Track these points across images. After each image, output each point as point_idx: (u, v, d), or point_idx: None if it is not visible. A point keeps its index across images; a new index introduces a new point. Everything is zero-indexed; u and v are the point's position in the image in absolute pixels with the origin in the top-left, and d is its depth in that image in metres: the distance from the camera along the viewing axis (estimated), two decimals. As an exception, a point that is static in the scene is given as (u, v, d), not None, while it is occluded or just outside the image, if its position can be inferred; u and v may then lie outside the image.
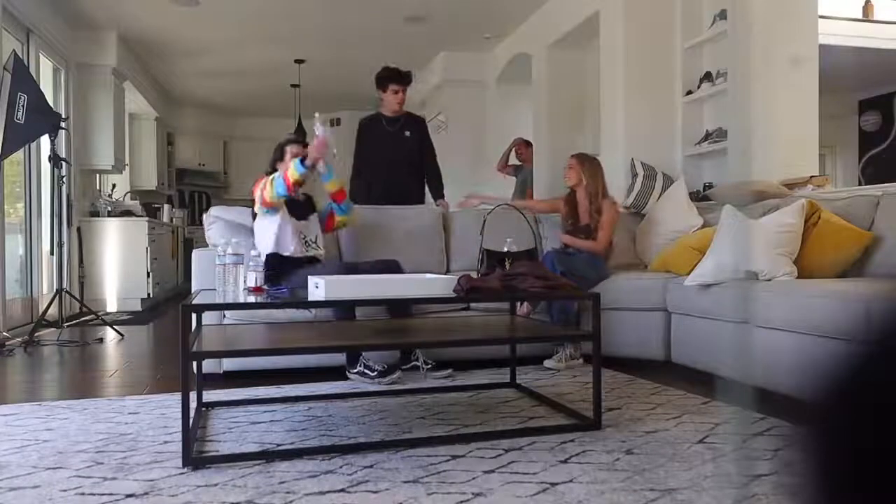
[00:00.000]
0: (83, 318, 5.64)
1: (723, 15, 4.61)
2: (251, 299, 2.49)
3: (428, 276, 2.79)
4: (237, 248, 2.55)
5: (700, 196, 4.68)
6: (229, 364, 3.28)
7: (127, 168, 7.92)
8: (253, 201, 3.28)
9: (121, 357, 4.10)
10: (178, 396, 2.15)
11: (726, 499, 1.71)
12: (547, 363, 3.43)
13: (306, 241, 3.29)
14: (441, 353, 3.33)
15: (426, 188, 4.63)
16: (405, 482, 1.82)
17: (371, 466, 1.95)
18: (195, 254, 3.47)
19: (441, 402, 2.74)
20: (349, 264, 3.31)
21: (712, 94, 4.75)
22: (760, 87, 4.29)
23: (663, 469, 1.91)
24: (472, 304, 3.32)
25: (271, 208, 3.17)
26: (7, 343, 4.33)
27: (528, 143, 6.60)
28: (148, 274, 6.84)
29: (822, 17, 4.77)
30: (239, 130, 11.04)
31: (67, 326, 4.95)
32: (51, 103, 5.16)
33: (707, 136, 4.80)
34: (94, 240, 6.68)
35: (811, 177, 4.08)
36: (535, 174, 6.43)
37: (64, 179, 5.03)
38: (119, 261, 6.75)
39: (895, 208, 3.01)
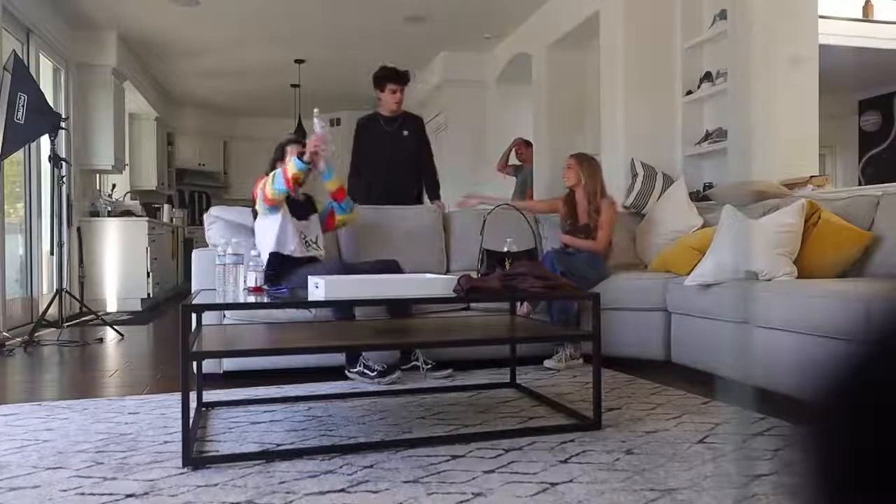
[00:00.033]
0: (83, 318, 5.64)
1: (723, 15, 4.61)
2: (251, 299, 2.49)
3: (428, 276, 2.79)
4: (237, 248, 2.55)
5: (700, 196, 4.68)
6: (229, 364, 3.28)
7: (127, 168, 7.92)
8: (254, 201, 3.27)
9: (121, 357, 4.10)
10: (178, 396, 2.15)
11: (726, 499, 1.71)
12: (547, 363, 3.43)
13: (307, 242, 3.29)
14: (441, 353, 3.33)
15: (439, 185, 4.63)
16: (405, 482, 1.82)
17: (371, 466, 1.95)
18: (195, 254, 3.47)
19: (441, 402, 2.74)
20: (348, 264, 3.31)
21: (712, 94, 4.75)
22: (760, 87, 4.29)
23: (663, 469, 1.91)
24: (472, 304, 3.32)
25: (272, 207, 3.17)
26: (7, 343, 4.33)
27: (528, 143, 6.60)
28: (148, 274, 6.84)
29: (822, 17, 4.77)
30: (239, 130, 11.04)
31: (67, 326, 4.95)
32: (51, 103, 5.16)
33: (707, 136, 4.80)
34: (94, 240, 6.68)
35: (811, 177, 4.08)
36: (535, 174, 6.43)
37: (64, 179, 5.03)
38: (119, 261, 6.75)
39: (895, 208, 3.01)
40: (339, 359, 3.23)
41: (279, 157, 3.31)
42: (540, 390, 2.89)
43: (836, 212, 3.12)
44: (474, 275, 2.73)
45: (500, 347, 3.15)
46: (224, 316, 3.23)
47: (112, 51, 6.73)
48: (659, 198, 4.44)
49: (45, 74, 5.96)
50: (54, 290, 5.02)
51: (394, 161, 4.39)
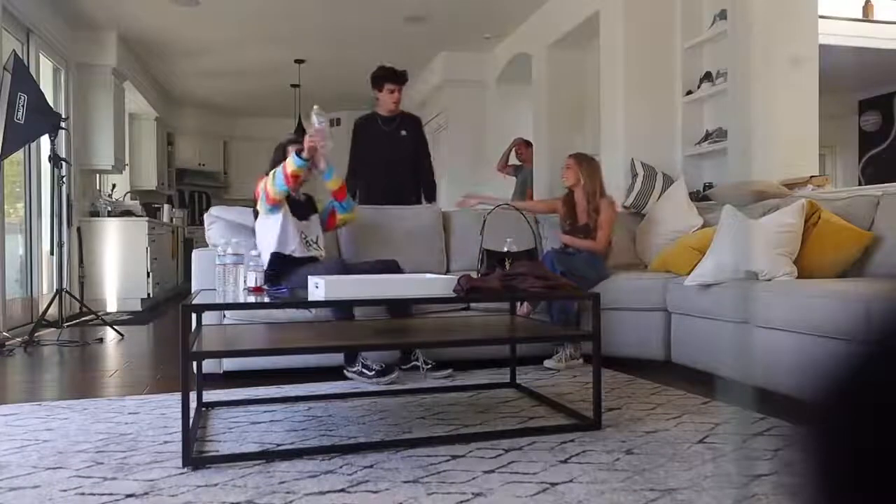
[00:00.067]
0: (83, 318, 5.64)
1: (723, 15, 4.61)
2: (251, 299, 2.49)
3: (428, 276, 2.79)
4: (237, 248, 2.55)
5: (700, 196, 4.68)
6: (229, 364, 3.28)
7: (127, 168, 7.92)
8: (255, 201, 3.27)
9: (121, 357, 4.10)
10: (178, 396, 2.15)
11: (726, 499, 1.71)
12: (547, 363, 3.43)
13: (307, 242, 3.29)
14: (441, 353, 3.33)
15: (435, 186, 4.63)
16: (405, 482, 1.82)
17: (371, 466, 1.95)
18: (195, 254, 3.47)
19: (441, 402, 2.74)
20: (349, 264, 3.31)
21: (712, 94, 4.75)
22: (760, 87, 4.29)
23: (663, 469, 1.91)
24: (472, 304, 3.32)
25: (274, 206, 3.17)
26: (7, 343, 4.33)
27: (528, 143, 6.60)
28: (148, 274, 6.84)
29: (822, 17, 4.77)
30: (239, 130, 11.04)
31: (67, 326, 4.95)
32: (51, 103, 5.16)
33: (707, 136, 4.80)
34: (94, 240, 6.68)
35: (811, 177, 4.08)
36: (535, 174, 6.43)
37: (64, 179, 5.03)
38: (119, 261, 6.75)
39: (895, 208, 3.01)
40: (338, 359, 3.23)
41: (280, 158, 3.30)
42: (540, 390, 2.89)
43: (836, 212, 3.12)
44: (474, 275, 2.73)
45: (500, 347, 3.15)
46: (224, 316, 3.23)
47: (112, 51, 6.73)
48: (659, 198, 4.44)
49: (45, 74, 5.96)
50: (54, 290, 5.02)
51: (392, 161, 4.38)
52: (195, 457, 2.01)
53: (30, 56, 5.43)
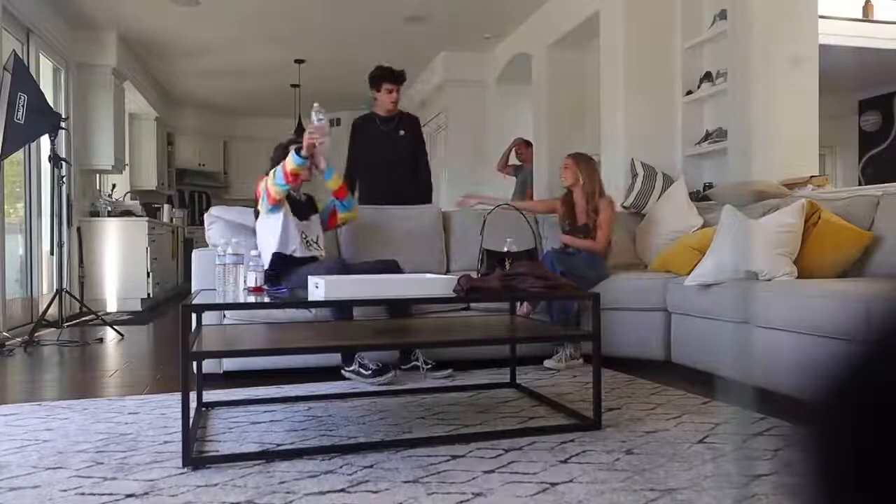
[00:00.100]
0: (83, 318, 5.64)
1: (723, 15, 4.61)
2: (251, 299, 2.49)
3: (428, 276, 2.79)
4: (237, 248, 2.55)
5: (700, 196, 4.68)
6: (229, 364, 3.28)
7: (127, 168, 7.92)
8: (256, 201, 3.27)
9: (121, 357, 4.10)
10: (178, 396, 2.15)
11: (726, 499, 1.71)
12: (547, 363, 3.43)
13: (308, 241, 3.30)
14: (441, 353, 3.33)
15: (431, 187, 4.62)
16: (405, 482, 1.82)
17: (371, 466, 1.95)
18: (195, 254, 3.47)
19: (441, 402, 2.74)
20: (349, 263, 3.31)
21: (712, 94, 4.75)
22: (760, 87, 4.29)
23: (663, 469, 1.91)
24: (472, 304, 3.32)
25: (275, 206, 3.17)
26: (7, 343, 4.33)
27: (528, 143, 6.60)
28: (148, 274, 6.84)
29: (822, 17, 4.77)
30: (239, 130, 11.04)
31: (67, 326, 4.95)
32: (51, 103, 5.16)
33: (707, 136, 4.80)
34: (94, 240, 6.68)
35: (811, 177, 4.08)
36: (535, 174, 6.43)
37: (64, 179, 5.03)
38: (119, 261, 6.75)
39: (895, 208, 3.01)
40: (338, 358, 3.23)
41: (280, 158, 3.29)
42: (540, 390, 2.89)
43: (836, 212, 3.12)
44: (474, 275, 2.73)
45: (500, 347, 3.15)
46: (224, 316, 3.23)
47: (112, 51, 6.73)
48: (659, 198, 4.44)
49: (45, 74, 5.96)
50: (54, 290, 5.02)
51: (390, 161, 4.37)
52: (195, 457, 2.01)
53: (30, 56, 5.43)
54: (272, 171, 3.12)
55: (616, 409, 2.59)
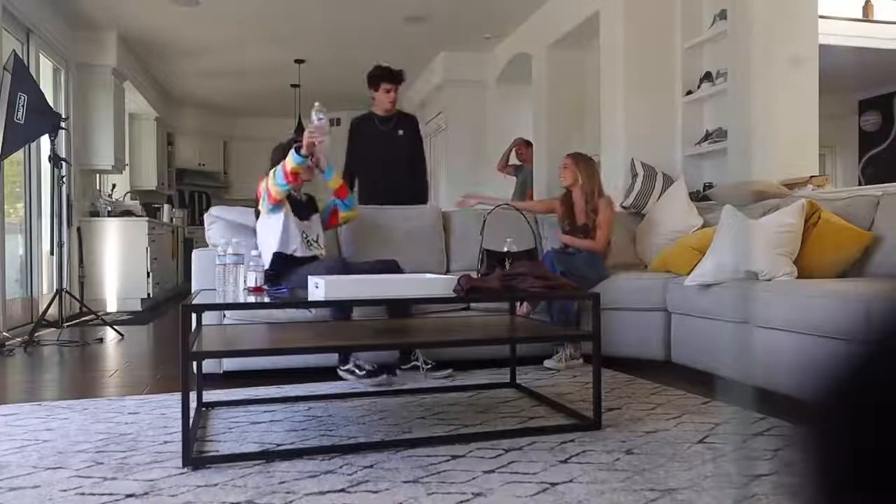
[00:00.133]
0: (83, 318, 5.64)
1: (723, 15, 4.61)
2: (251, 299, 2.49)
3: (428, 276, 2.79)
4: (237, 248, 2.55)
5: (700, 196, 4.68)
6: (229, 364, 3.29)
7: (127, 168, 7.92)
8: (257, 201, 3.27)
9: (121, 357, 4.10)
10: (178, 396, 2.15)
11: (726, 499, 1.71)
12: (547, 363, 3.43)
13: (308, 241, 3.30)
14: (441, 353, 3.33)
15: (427, 188, 4.61)
16: (405, 482, 1.82)
17: (371, 466, 1.95)
18: (195, 254, 3.47)
19: (441, 402, 2.74)
20: (349, 262, 3.31)
21: (712, 94, 4.75)
22: (760, 87, 4.29)
23: (663, 469, 1.91)
24: (472, 304, 3.32)
25: (276, 205, 3.17)
26: (7, 343, 4.33)
27: (528, 143, 6.60)
28: (148, 274, 6.84)
29: (822, 17, 4.77)
30: (239, 130, 11.04)
31: (67, 326, 4.95)
32: (51, 103, 5.16)
33: (707, 136, 4.80)
34: (94, 240, 6.68)
35: (811, 177, 4.08)
36: (535, 174, 6.43)
37: (64, 179, 5.03)
38: (119, 261, 6.75)
39: (895, 208, 3.01)
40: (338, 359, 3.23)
41: (279, 158, 3.29)
42: (540, 390, 2.89)
43: (836, 212, 3.12)
44: (474, 275, 2.73)
45: (500, 347, 3.15)
46: (224, 316, 3.23)
47: (112, 51, 6.73)
48: (659, 198, 4.44)
49: (45, 74, 5.96)
50: (54, 290, 5.02)
51: (388, 161, 4.36)
52: (195, 457, 2.01)
53: (30, 56, 5.43)
54: (272, 171, 3.12)
55: (616, 409, 2.59)
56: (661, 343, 3.51)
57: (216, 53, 7.57)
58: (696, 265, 3.27)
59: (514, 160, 6.68)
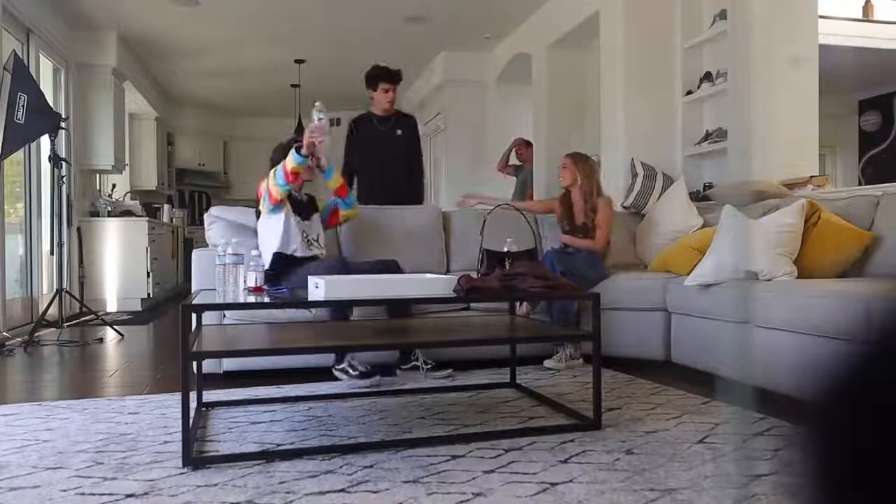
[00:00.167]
0: (83, 318, 5.64)
1: (723, 15, 4.61)
2: (251, 299, 2.49)
3: (428, 276, 2.79)
4: (237, 248, 2.55)
5: (700, 196, 4.68)
6: (229, 364, 3.28)
7: (127, 168, 7.92)
8: (258, 201, 3.27)
9: (121, 357, 4.10)
10: (178, 396, 2.15)
11: (726, 499, 1.71)
12: (547, 363, 3.43)
13: (308, 241, 3.30)
14: (441, 353, 3.33)
15: (423, 188, 4.61)
16: (405, 482, 1.82)
17: (371, 466, 1.95)
18: (195, 254, 3.47)
19: (441, 402, 2.74)
20: (350, 261, 3.31)
21: (712, 94, 4.75)
22: (760, 87, 4.29)
23: (663, 469, 1.91)
24: (472, 304, 3.32)
25: (277, 206, 3.17)
26: (7, 343, 4.33)
27: (528, 144, 6.60)
28: (148, 274, 6.84)
29: (822, 17, 4.77)
30: (239, 130, 11.04)
31: (67, 326, 4.95)
32: (51, 103, 5.16)
33: (707, 136, 4.80)
34: (94, 240, 6.68)
35: (811, 177, 4.08)
36: (534, 174, 6.43)
37: (64, 179, 5.03)
38: (119, 261, 6.75)
39: (895, 208, 3.01)
40: (339, 359, 3.23)
41: (279, 158, 3.29)
42: (540, 390, 2.89)
43: (836, 212, 3.12)
44: (474, 275, 2.73)
45: (500, 347, 3.15)
46: (224, 316, 3.23)
47: (112, 51, 6.73)
48: (659, 198, 4.44)
49: (45, 74, 5.96)
50: (54, 290, 5.02)
51: (387, 161, 4.36)
52: (195, 457, 2.01)
53: (30, 56, 5.43)
54: (272, 171, 3.12)
55: (616, 409, 2.59)
56: (661, 343, 3.51)
57: (216, 53, 7.57)
58: (696, 265, 3.27)
59: (514, 160, 6.68)
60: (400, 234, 3.91)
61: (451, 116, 7.80)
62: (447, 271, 3.96)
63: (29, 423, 2.46)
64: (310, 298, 2.39)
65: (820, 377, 0.59)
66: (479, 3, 6.10)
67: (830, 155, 9.12)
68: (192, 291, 3.11)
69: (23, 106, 4.56)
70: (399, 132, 4.43)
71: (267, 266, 3.05)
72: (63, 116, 5.33)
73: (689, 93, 4.89)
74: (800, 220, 3.02)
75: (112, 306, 6.70)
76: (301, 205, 3.33)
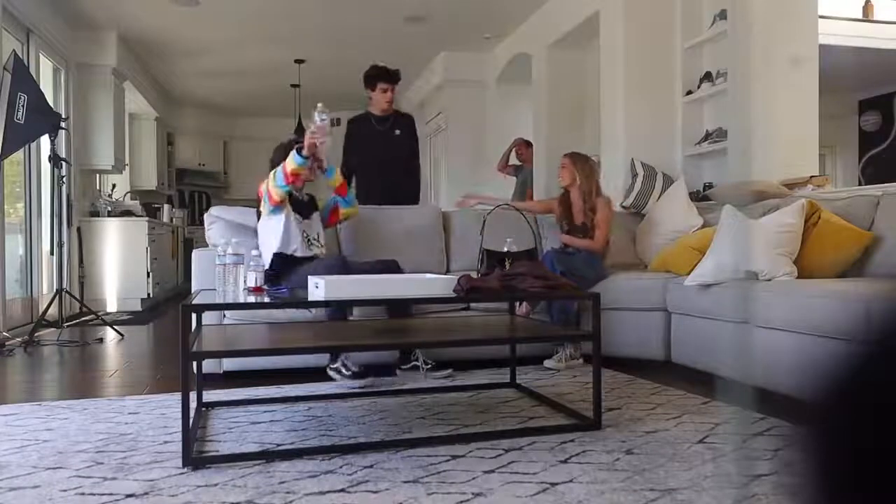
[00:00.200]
0: (83, 318, 5.64)
1: (723, 15, 4.62)
2: (251, 299, 2.49)
3: (428, 276, 2.79)
4: (237, 248, 2.55)
5: (700, 196, 4.68)
6: (229, 364, 3.28)
7: (127, 168, 7.92)
8: (258, 201, 3.27)
9: (121, 357, 4.10)
10: (178, 396, 2.14)
11: (726, 499, 1.71)
12: (547, 363, 3.43)
13: (308, 240, 3.30)
14: (441, 353, 3.33)
15: (420, 188, 4.61)
16: (405, 482, 1.82)
17: (371, 466, 1.95)
18: (195, 254, 3.47)
19: (441, 402, 2.74)
20: (350, 261, 3.31)
21: (712, 94, 4.75)
22: (760, 87, 4.29)
23: (663, 469, 1.91)
24: (472, 304, 3.32)
25: (277, 206, 3.17)
26: (7, 343, 4.33)
27: (528, 144, 6.60)
28: (148, 274, 6.84)
29: (822, 17, 4.77)
30: (239, 130, 11.04)
31: (67, 326, 4.95)
32: (51, 103, 5.16)
33: (707, 136, 4.80)
34: (94, 240, 6.68)
35: (811, 177, 4.08)
36: (534, 174, 6.43)
37: (64, 179, 5.03)
38: (119, 261, 6.75)
39: (895, 208, 3.01)
40: (339, 359, 3.23)
41: (279, 158, 3.28)
42: (540, 390, 2.89)
43: (836, 212, 3.12)
44: (474, 275, 2.73)
45: (500, 347, 3.15)
46: (224, 316, 3.23)
47: (112, 51, 6.73)
48: (659, 198, 4.44)
49: (45, 74, 5.95)
50: (54, 290, 5.02)
51: (385, 161, 4.36)
52: (195, 457, 2.01)
53: (30, 56, 5.43)
54: (272, 172, 3.12)
55: (616, 409, 2.59)
56: (661, 343, 3.51)
57: (216, 53, 7.57)
58: (696, 265, 3.27)
59: (514, 160, 6.68)
60: (400, 234, 3.91)
61: (451, 116, 7.80)
62: (447, 271, 3.96)
63: (29, 423, 2.46)
64: (310, 298, 2.39)
65: (820, 377, 0.59)
66: (479, 3, 6.10)
67: (830, 155, 9.12)
68: (192, 291, 3.11)
69: (23, 106, 4.56)
70: (397, 132, 4.43)
71: (267, 266, 3.05)
72: (63, 116, 5.33)
73: (689, 93, 4.89)
74: (800, 220, 3.02)
75: (112, 306, 6.70)
76: (301, 204, 3.33)
